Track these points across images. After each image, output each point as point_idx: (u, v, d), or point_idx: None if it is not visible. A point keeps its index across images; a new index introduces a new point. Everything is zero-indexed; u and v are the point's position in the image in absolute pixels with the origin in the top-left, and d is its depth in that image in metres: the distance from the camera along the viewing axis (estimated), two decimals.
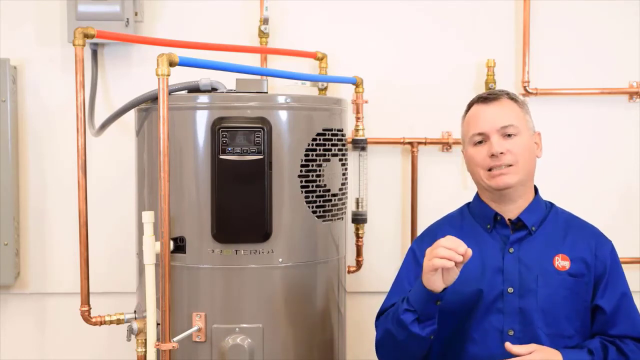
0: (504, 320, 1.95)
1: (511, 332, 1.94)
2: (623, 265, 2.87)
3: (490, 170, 1.96)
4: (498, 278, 1.96)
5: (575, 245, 1.99)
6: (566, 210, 2.10)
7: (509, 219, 2.00)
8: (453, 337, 2.00)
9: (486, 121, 1.97)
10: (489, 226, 2.02)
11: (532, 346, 1.87)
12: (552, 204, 2.09)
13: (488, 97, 2.01)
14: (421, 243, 2.08)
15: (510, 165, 1.95)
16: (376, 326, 2.08)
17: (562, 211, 2.09)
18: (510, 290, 1.95)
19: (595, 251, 1.98)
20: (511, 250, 1.98)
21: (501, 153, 1.94)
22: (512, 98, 2.02)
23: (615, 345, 1.92)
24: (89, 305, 2.33)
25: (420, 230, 2.90)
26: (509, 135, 1.96)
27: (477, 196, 2.09)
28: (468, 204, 2.13)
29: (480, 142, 1.98)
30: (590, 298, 1.97)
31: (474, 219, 2.07)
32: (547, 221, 2.02)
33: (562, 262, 1.96)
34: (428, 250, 1.83)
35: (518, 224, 2.00)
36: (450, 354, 2.01)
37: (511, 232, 2.00)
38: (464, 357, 1.99)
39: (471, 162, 2.01)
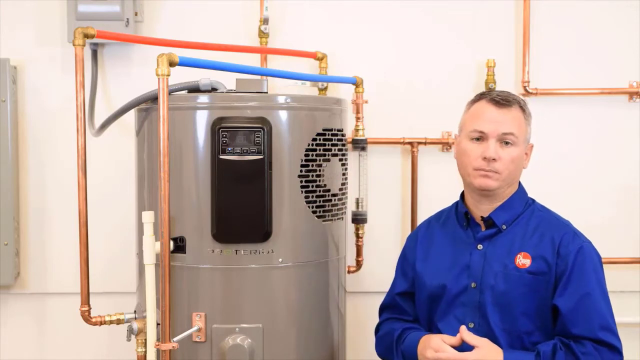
0: (466, 313, 2.02)
1: (472, 325, 2.01)
2: (622, 266, 2.91)
3: (478, 170, 2.01)
4: (465, 273, 2.04)
5: (539, 243, 2.00)
6: (547, 209, 2.11)
7: (481, 217, 2.06)
8: (424, 326, 2.10)
9: (491, 123, 2.01)
10: (465, 224, 2.10)
11: (482, 341, 1.91)
12: (533, 201, 2.11)
13: (501, 101, 2.02)
14: (410, 238, 2.26)
15: (496, 173, 1.99)
16: (379, 324, 2.27)
17: (542, 208, 2.10)
18: (474, 285, 2.02)
19: (558, 249, 1.97)
20: (480, 247, 2.05)
21: (493, 159, 1.98)
22: (521, 107, 2.05)
23: (567, 347, 1.91)
24: (89, 305, 2.33)
25: None
26: (507, 143, 2.00)
27: (462, 193, 2.15)
28: (458, 201, 2.18)
29: (477, 139, 2.02)
30: (551, 296, 1.97)
31: (456, 216, 2.14)
32: (520, 219, 2.05)
33: (523, 260, 1.99)
34: (422, 347, 1.99)
35: (489, 221, 2.05)
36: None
37: (483, 229, 2.06)
38: None
39: (463, 155, 2.06)
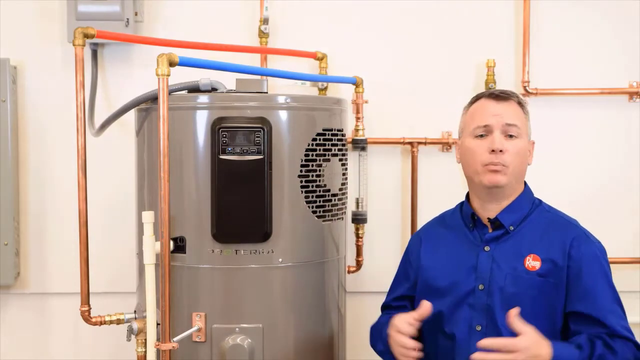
0: (473, 315, 1.99)
1: (479, 328, 1.98)
2: (622, 266, 2.91)
3: (487, 165, 1.98)
4: (472, 275, 2.01)
5: (550, 245, 1.97)
6: (555, 209, 2.08)
7: (488, 218, 2.03)
8: (429, 328, 2.05)
9: (494, 115, 1.99)
10: (471, 225, 2.06)
11: (528, 329, 1.81)
12: (540, 202, 2.08)
13: (499, 95, 2.02)
14: (413, 240, 2.23)
15: (504, 166, 1.97)
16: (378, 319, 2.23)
17: (549, 209, 2.07)
18: (481, 287, 1.99)
19: (569, 251, 1.94)
20: (487, 248, 2.01)
21: (501, 151, 1.96)
22: (519, 103, 2.04)
23: (602, 339, 1.88)
24: (89, 305, 2.33)
25: None
26: (511, 136, 1.98)
27: (467, 194, 2.12)
28: (463, 202, 2.16)
29: (482, 136, 2.00)
30: (563, 299, 1.94)
31: (461, 217, 2.11)
32: (527, 220, 2.02)
33: (532, 262, 1.95)
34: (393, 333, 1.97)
35: (496, 222, 2.02)
36: (426, 344, 2.03)
37: (490, 231, 2.03)
38: (437, 348, 2.04)
39: (468, 154, 2.03)
